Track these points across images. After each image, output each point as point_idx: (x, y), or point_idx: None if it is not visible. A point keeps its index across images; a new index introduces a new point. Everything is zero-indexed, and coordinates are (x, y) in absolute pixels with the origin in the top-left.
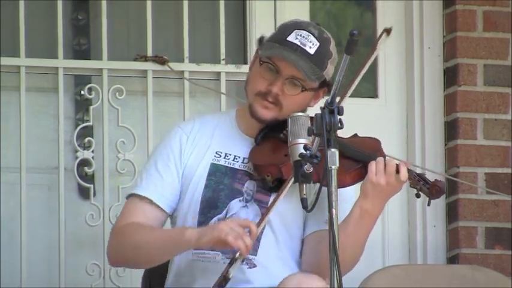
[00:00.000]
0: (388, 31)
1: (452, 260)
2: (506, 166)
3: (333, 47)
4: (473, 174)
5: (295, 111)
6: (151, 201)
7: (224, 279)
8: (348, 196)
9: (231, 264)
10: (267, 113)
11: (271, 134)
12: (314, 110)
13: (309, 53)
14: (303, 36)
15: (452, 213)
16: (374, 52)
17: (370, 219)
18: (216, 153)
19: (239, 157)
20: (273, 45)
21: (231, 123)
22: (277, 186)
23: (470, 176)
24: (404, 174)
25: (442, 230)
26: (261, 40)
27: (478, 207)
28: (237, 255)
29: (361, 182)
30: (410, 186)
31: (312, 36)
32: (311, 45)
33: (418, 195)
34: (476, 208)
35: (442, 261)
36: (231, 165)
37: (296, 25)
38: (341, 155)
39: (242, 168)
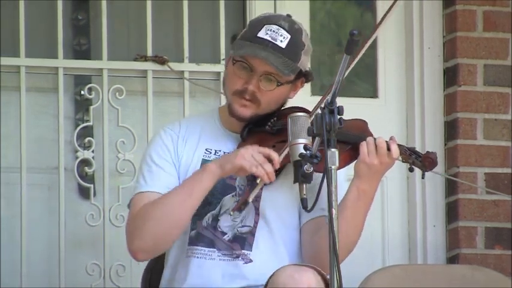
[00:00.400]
0: None
1: (452, 260)
2: (506, 166)
3: (305, 37)
4: (473, 174)
5: (274, 106)
6: (158, 193)
7: (244, 202)
8: (339, 181)
9: (251, 189)
10: (246, 111)
11: (255, 128)
12: (294, 101)
13: (280, 47)
14: (273, 31)
15: (452, 213)
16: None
17: (367, 198)
18: (206, 149)
19: (228, 153)
20: (244, 44)
21: (214, 122)
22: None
23: (470, 176)
24: (395, 151)
25: (442, 230)
26: (233, 39)
27: (478, 207)
28: (258, 180)
29: (352, 163)
30: (403, 161)
31: (282, 29)
32: (282, 39)
33: (411, 169)
34: (476, 208)
35: (442, 261)
36: None
37: (266, 20)
38: None
39: None
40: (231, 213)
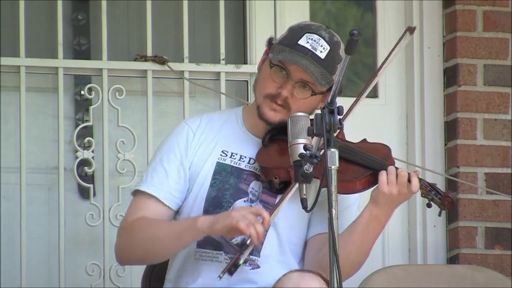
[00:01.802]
0: (411, 30)
1: (452, 260)
2: (506, 166)
3: (342, 50)
4: (473, 174)
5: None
6: (157, 199)
7: (234, 265)
8: (351, 201)
9: (242, 251)
10: (275, 116)
11: (278, 135)
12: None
13: (319, 58)
14: (314, 40)
15: (452, 213)
16: (395, 50)
17: (378, 225)
18: (222, 152)
19: (245, 157)
20: (284, 49)
21: (237, 122)
22: (283, 188)
23: (470, 176)
24: (416, 185)
25: (442, 230)
26: (270, 41)
27: (478, 207)
28: (248, 241)
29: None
30: (422, 196)
31: (322, 40)
32: (322, 50)
33: (429, 205)
34: (476, 208)
35: (442, 261)
36: (237, 165)
37: (307, 28)
38: (351, 161)
39: (248, 169)
40: (220, 275)
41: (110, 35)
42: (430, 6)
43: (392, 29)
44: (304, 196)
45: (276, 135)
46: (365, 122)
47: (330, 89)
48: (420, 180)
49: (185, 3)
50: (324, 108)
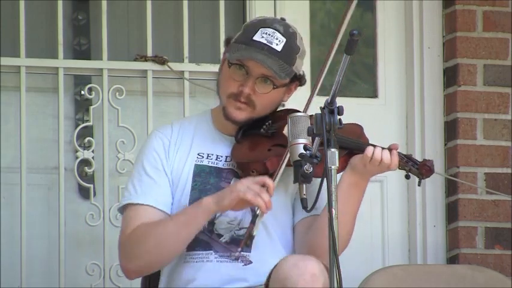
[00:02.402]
0: None
1: (452, 260)
2: (506, 166)
3: (299, 40)
4: (473, 174)
5: (269, 109)
6: (152, 207)
7: (249, 237)
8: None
9: (253, 222)
10: (241, 114)
11: (250, 131)
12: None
13: (276, 50)
14: (269, 34)
15: (452, 213)
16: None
17: (358, 191)
18: (198, 154)
19: (221, 156)
20: (240, 47)
21: (208, 124)
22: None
23: (470, 176)
24: (394, 163)
25: (442, 230)
26: (227, 41)
27: (478, 207)
28: (258, 212)
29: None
30: (399, 168)
31: (277, 32)
32: (277, 42)
33: (407, 177)
34: (476, 208)
35: (442, 261)
36: (215, 165)
37: (261, 23)
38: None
39: (226, 167)
40: (239, 250)
41: (110, 35)
42: (430, 6)
43: (392, 29)
44: (304, 196)
45: (247, 131)
46: (365, 122)
47: (293, 80)
48: (397, 153)
49: (185, 3)
50: (324, 108)
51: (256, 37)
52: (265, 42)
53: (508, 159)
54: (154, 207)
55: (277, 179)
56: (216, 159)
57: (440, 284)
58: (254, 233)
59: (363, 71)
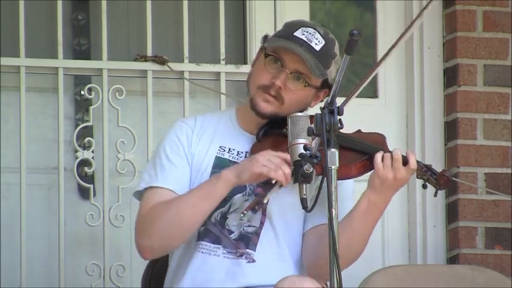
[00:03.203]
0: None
1: (452, 260)
2: (506, 166)
3: (337, 48)
4: (473, 174)
5: (295, 109)
6: (170, 191)
7: (259, 202)
8: (348, 193)
9: (266, 190)
10: (268, 107)
11: (272, 130)
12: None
13: (314, 49)
14: (309, 33)
15: (452, 213)
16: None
17: (376, 211)
18: (220, 147)
19: (242, 152)
20: (279, 40)
21: (231, 121)
22: (277, 181)
23: (470, 176)
24: (413, 163)
25: (442, 230)
26: (265, 37)
27: (478, 207)
28: (274, 181)
29: (366, 174)
30: (417, 177)
31: (318, 33)
32: (317, 42)
33: (425, 186)
34: (476, 208)
35: (442, 261)
36: (235, 160)
37: (302, 23)
38: (346, 148)
39: None
40: (244, 212)
41: (110, 35)
42: (430, 6)
43: (392, 29)
44: (304, 196)
45: (269, 130)
46: (365, 122)
47: (322, 87)
48: (416, 161)
49: (185, 3)
50: (324, 108)
51: (297, 33)
52: (305, 39)
53: (508, 159)
54: (174, 192)
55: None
56: (237, 155)
57: (440, 284)
58: (265, 201)
59: (363, 71)
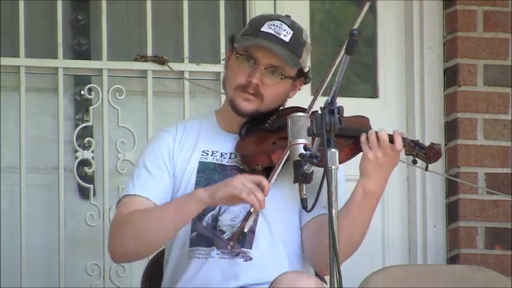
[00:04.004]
0: None
1: (452, 260)
2: (506, 166)
3: (305, 36)
4: (473, 174)
5: (276, 103)
6: (146, 199)
7: (241, 233)
8: (338, 179)
9: (246, 219)
10: (248, 105)
11: (254, 126)
12: (295, 101)
13: (284, 41)
14: (276, 26)
15: (452, 213)
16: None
17: (373, 198)
18: (203, 151)
19: (226, 153)
20: (248, 38)
21: (212, 124)
22: (267, 176)
23: (470, 176)
24: (399, 142)
25: (442, 230)
26: (232, 37)
27: (478, 207)
28: (251, 210)
29: (354, 158)
30: (406, 154)
31: (284, 25)
32: (285, 34)
33: (415, 162)
34: (476, 208)
35: (442, 261)
36: (219, 162)
37: (267, 17)
38: None
39: (231, 164)
40: (231, 244)
41: (109, 35)
42: (430, 6)
43: (392, 29)
44: (304, 196)
45: (251, 127)
46: None
47: (298, 76)
48: (403, 138)
49: (185, 3)
50: (324, 108)
51: (264, 28)
52: (273, 32)
53: (508, 159)
54: (148, 200)
55: (272, 180)
56: (221, 157)
57: (440, 284)
58: (245, 230)
59: (363, 71)
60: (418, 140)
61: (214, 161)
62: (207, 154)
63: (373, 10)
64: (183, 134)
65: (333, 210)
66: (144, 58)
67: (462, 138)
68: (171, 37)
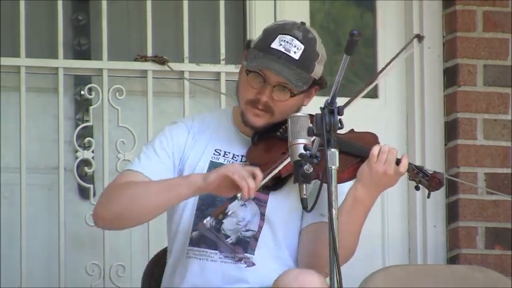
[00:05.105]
0: (420, 38)
1: (452, 260)
2: (506, 166)
3: (319, 46)
4: (473, 174)
5: (288, 114)
6: (146, 176)
7: (222, 212)
8: (344, 191)
9: (231, 201)
10: (259, 121)
11: (267, 133)
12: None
13: (293, 59)
14: (287, 42)
15: (452, 213)
16: (398, 55)
17: (362, 208)
18: (215, 151)
19: (237, 156)
20: (257, 55)
21: (228, 121)
22: (275, 184)
23: (470, 176)
24: (404, 164)
25: (442, 230)
26: (248, 45)
27: (478, 207)
28: (239, 195)
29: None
30: (409, 179)
31: (296, 40)
32: (295, 50)
33: (417, 188)
34: (476, 208)
35: (442, 261)
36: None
37: (280, 29)
38: (339, 151)
39: None
40: (211, 215)
41: (110, 35)
42: (430, 6)
43: (392, 29)
44: (305, 196)
45: (264, 134)
46: (365, 122)
47: (313, 85)
48: (408, 163)
49: (185, 3)
50: (324, 108)
51: (274, 44)
52: (283, 50)
53: (508, 159)
54: (147, 178)
55: (267, 178)
56: (232, 158)
57: (440, 284)
58: (229, 212)
59: (363, 71)
60: (423, 167)
61: (225, 162)
62: (219, 154)
63: (373, 10)
64: (198, 128)
65: (333, 210)
66: (144, 58)
67: (462, 138)
68: (171, 37)
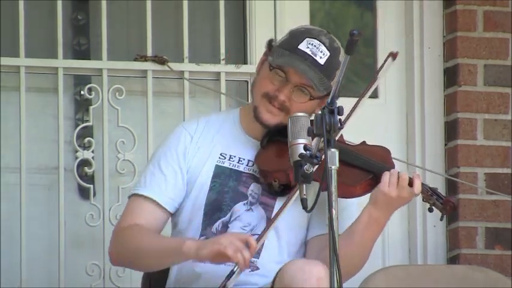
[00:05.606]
0: (394, 55)
1: (452, 260)
2: (506, 166)
3: (341, 56)
4: (473, 174)
5: None
6: (154, 202)
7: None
8: (350, 201)
9: (229, 277)
10: (272, 118)
11: (277, 137)
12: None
13: (319, 63)
14: (314, 46)
15: (452, 213)
16: (377, 78)
17: (377, 227)
18: (221, 154)
19: (243, 159)
20: (284, 53)
21: (234, 123)
22: (283, 190)
23: (470, 176)
24: (418, 187)
25: (442, 230)
26: (270, 43)
27: (478, 208)
28: (235, 268)
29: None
30: (423, 200)
31: (323, 45)
32: (321, 55)
33: (431, 210)
34: (476, 208)
35: (442, 261)
36: (236, 168)
37: (307, 33)
38: (350, 165)
39: (247, 171)
40: None
41: (109, 35)
42: (430, 6)
43: (392, 29)
44: (304, 196)
45: (274, 137)
46: (365, 122)
47: (328, 94)
48: (422, 184)
49: (185, 3)
50: (324, 108)
51: (302, 46)
52: (309, 53)
53: (508, 159)
54: (157, 204)
55: (260, 242)
56: (238, 162)
57: (440, 284)
58: (229, 287)
59: (363, 71)
60: (437, 188)
61: (230, 166)
62: (224, 158)
63: (373, 10)
64: (202, 132)
65: (333, 210)
66: (144, 58)
67: (462, 138)
68: (171, 37)
